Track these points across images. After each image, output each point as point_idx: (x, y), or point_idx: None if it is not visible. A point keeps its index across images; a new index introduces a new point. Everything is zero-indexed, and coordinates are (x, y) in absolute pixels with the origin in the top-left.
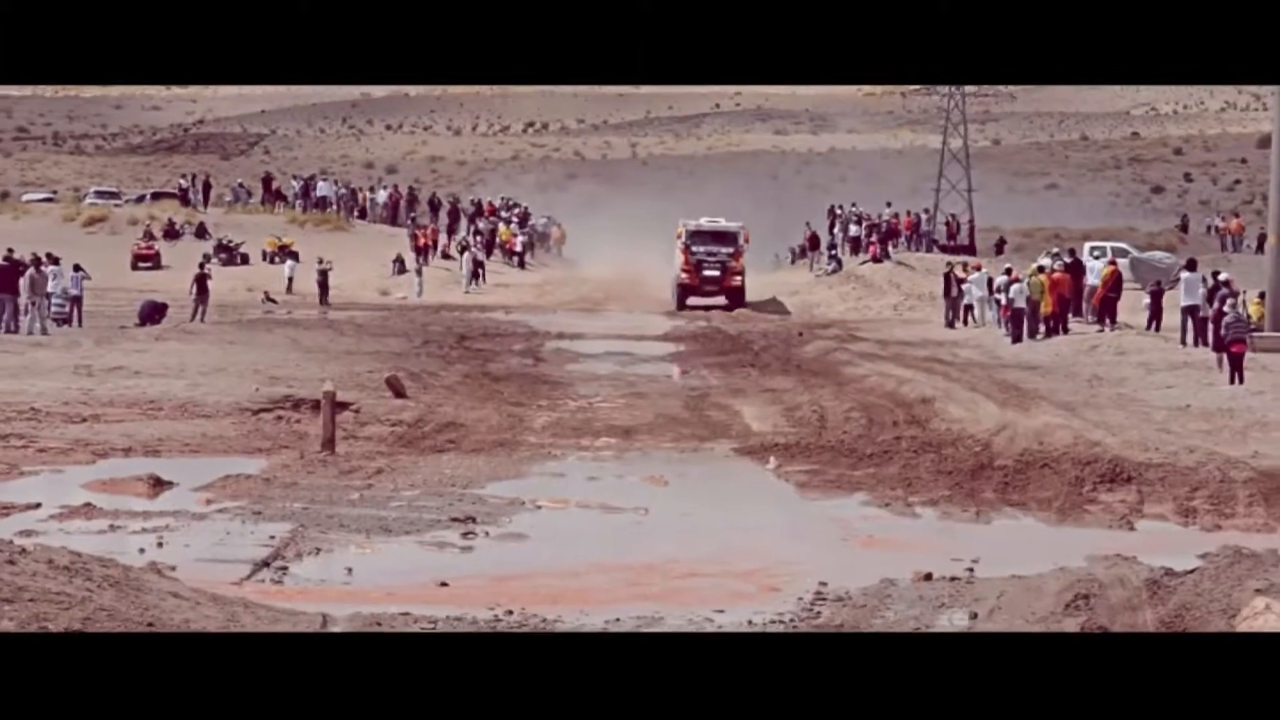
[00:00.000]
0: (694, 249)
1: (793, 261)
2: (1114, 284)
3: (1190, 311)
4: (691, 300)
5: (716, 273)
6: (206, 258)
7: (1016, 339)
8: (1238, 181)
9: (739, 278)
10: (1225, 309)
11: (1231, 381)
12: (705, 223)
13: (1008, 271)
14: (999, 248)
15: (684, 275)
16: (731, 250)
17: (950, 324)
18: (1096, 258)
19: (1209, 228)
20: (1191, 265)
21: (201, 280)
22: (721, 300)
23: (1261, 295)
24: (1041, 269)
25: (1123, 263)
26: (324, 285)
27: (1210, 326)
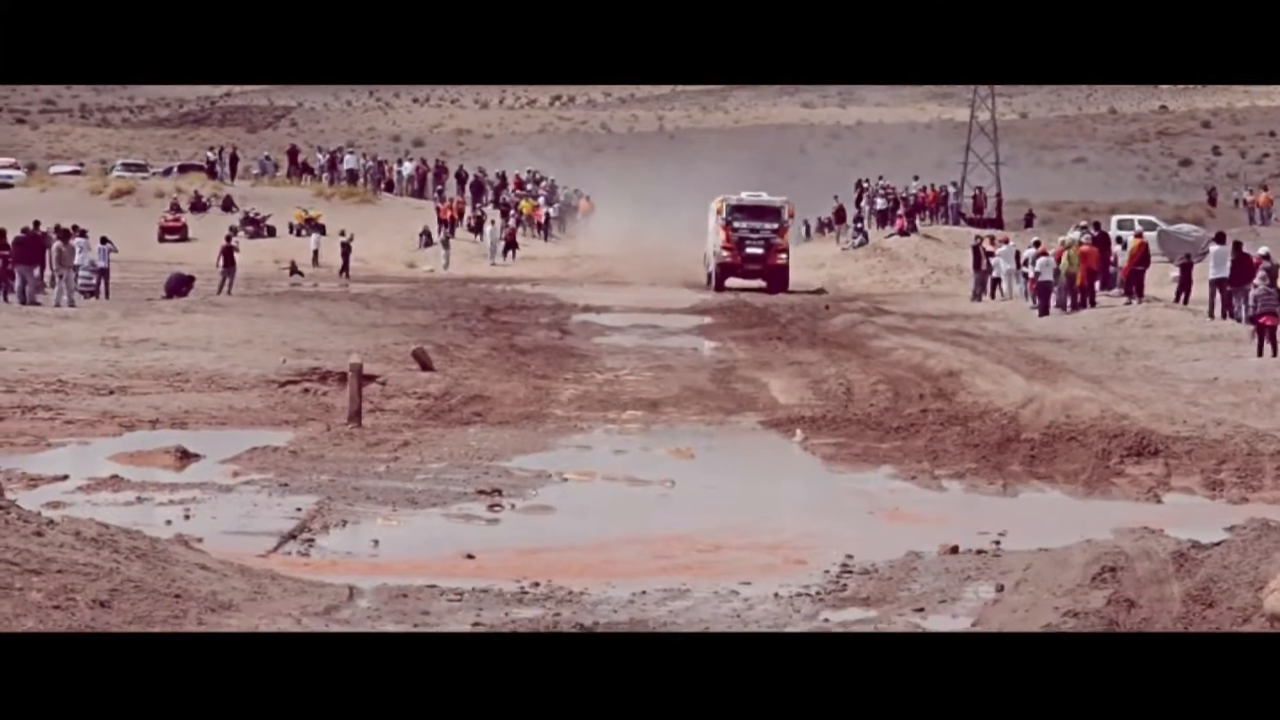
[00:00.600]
0: (735, 225)
1: (807, 236)
2: (1141, 257)
3: (1219, 285)
4: (732, 281)
5: (760, 250)
6: (234, 230)
7: (1044, 311)
8: (1266, 155)
9: (784, 256)
10: (1257, 282)
11: (1260, 354)
12: (747, 197)
13: (1035, 244)
14: (1027, 221)
15: (725, 253)
16: (776, 226)
17: (978, 297)
18: (1125, 230)
19: (1237, 201)
20: (1220, 238)
21: (228, 253)
22: (762, 283)
23: None
24: (1076, 242)
25: (1150, 236)
26: (346, 257)
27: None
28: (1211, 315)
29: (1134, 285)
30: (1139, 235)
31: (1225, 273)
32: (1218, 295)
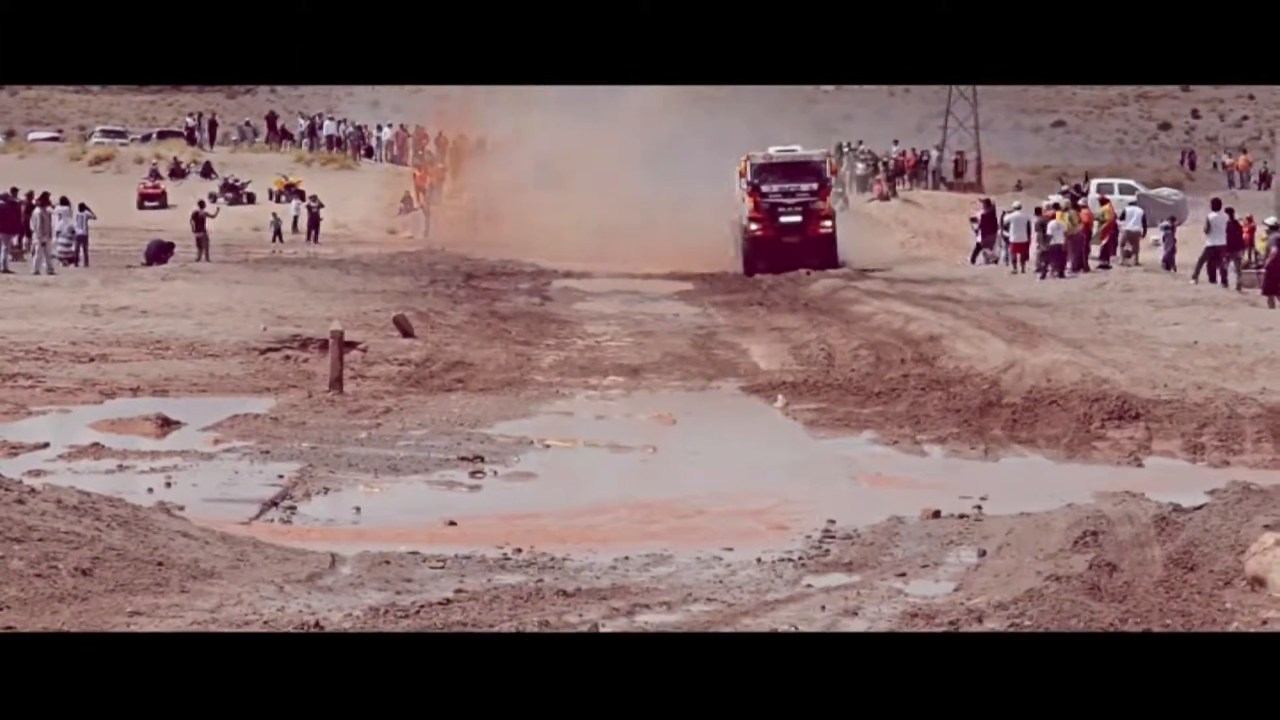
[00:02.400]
0: (764, 189)
1: None
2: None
3: (1218, 251)
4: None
5: (798, 219)
6: (212, 197)
7: (1060, 274)
8: (1245, 118)
9: (828, 224)
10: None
11: None
12: (776, 153)
13: (1037, 211)
14: (1019, 187)
15: (754, 226)
16: (815, 186)
17: (992, 260)
18: (1109, 194)
19: (1216, 164)
20: (1216, 205)
21: (199, 220)
22: (804, 270)
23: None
24: (1057, 206)
25: (1128, 206)
26: (314, 222)
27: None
28: (1197, 278)
29: (1079, 255)
30: (1082, 205)
31: (1223, 239)
32: (1213, 261)
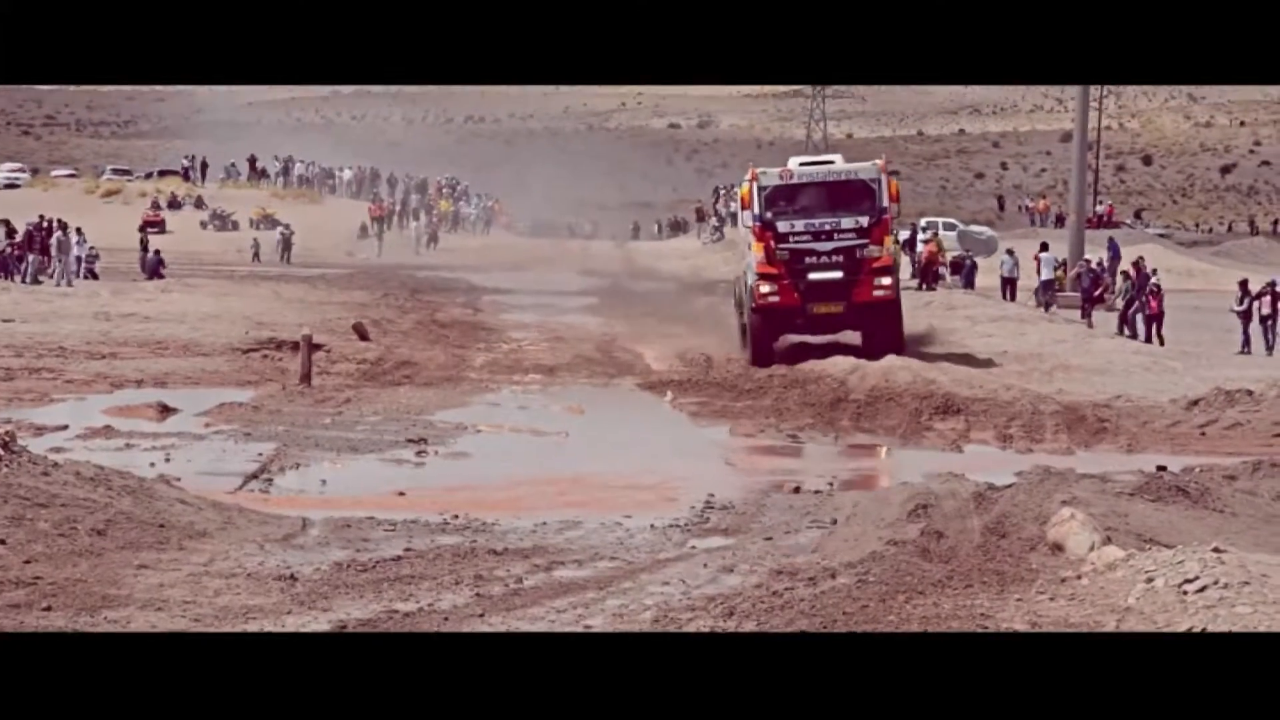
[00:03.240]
0: (782, 226)
1: (659, 232)
2: (935, 257)
3: (1048, 285)
4: (788, 338)
5: (837, 274)
6: (203, 224)
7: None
8: (1044, 169)
9: (886, 280)
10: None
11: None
12: (801, 167)
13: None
14: None
15: (765, 288)
16: (865, 222)
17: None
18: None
19: (1020, 207)
20: (1044, 247)
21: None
22: (848, 335)
23: (1063, 262)
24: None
25: (951, 235)
26: (287, 245)
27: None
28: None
29: (927, 278)
30: (929, 240)
31: (1051, 274)
32: (1046, 292)
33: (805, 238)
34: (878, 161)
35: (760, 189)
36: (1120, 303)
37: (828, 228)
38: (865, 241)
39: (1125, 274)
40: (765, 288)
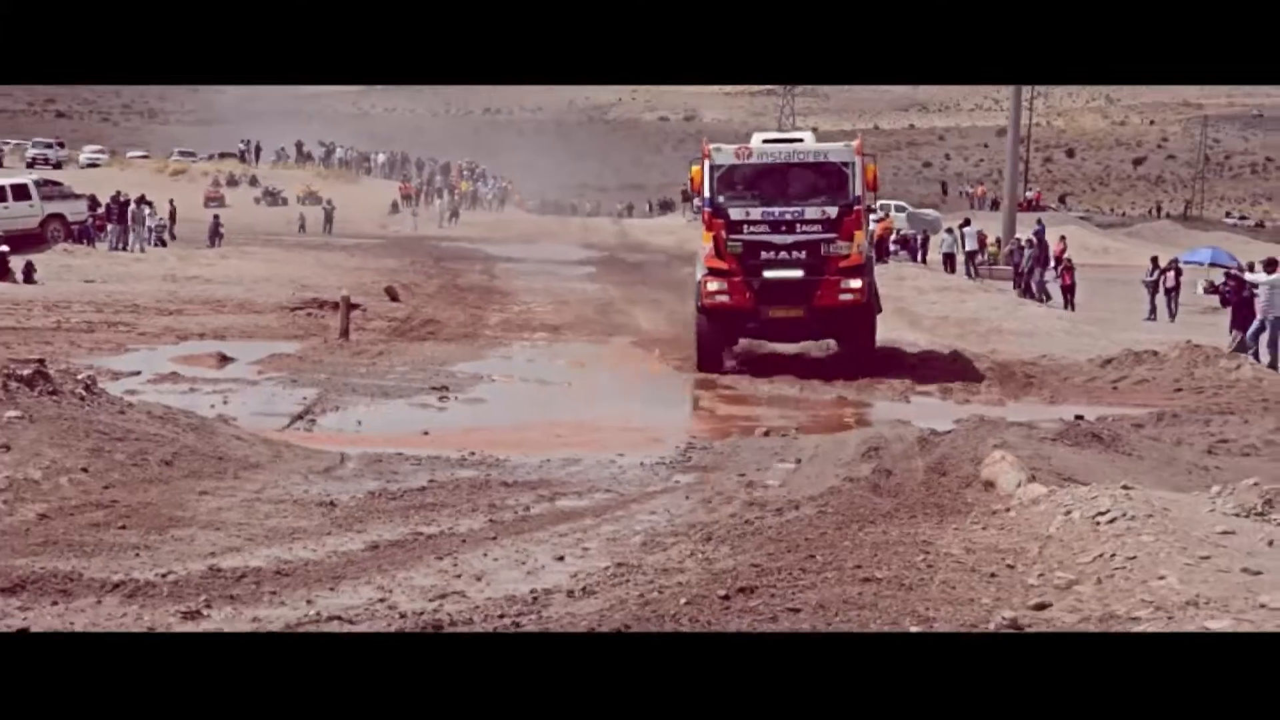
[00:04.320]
0: (737, 214)
1: (650, 211)
2: (886, 234)
3: (970, 256)
4: (740, 347)
5: (797, 274)
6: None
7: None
8: (981, 160)
9: (857, 283)
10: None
11: (1067, 306)
12: (763, 145)
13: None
14: None
15: (713, 286)
16: (834, 212)
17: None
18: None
19: (961, 192)
20: (966, 222)
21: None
22: (816, 344)
23: (998, 239)
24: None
25: (901, 216)
26: (329, 219)
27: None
28: (950, 271)
29: (880, 253)
30: (883, 219)
31: (975, 245)
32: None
33: (762, 228)
34: (852, 143)
35: (713, 168)
36: (1018, 265)
37: (789, 218)
38: (833, 236)
39: (1029, 242)
40: (713, 285)
